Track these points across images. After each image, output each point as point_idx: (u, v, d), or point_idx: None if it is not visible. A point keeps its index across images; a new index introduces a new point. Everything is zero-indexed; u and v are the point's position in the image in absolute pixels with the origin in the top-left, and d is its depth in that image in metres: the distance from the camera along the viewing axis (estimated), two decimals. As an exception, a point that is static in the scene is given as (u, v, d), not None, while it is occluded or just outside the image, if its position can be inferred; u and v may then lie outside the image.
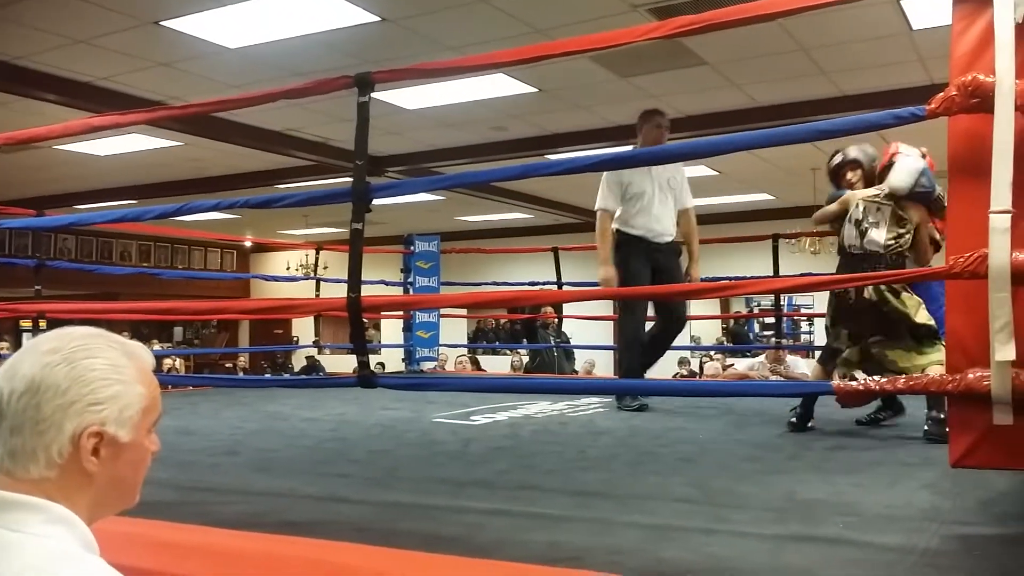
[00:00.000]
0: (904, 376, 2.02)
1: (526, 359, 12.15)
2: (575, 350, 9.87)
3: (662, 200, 4.67)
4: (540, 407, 4.66)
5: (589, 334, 11.05)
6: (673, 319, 4.74)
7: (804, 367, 8.85)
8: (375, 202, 2.61)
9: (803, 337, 13.56)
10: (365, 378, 2.61)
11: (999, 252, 1.83)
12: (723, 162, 9.84)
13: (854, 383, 2.05)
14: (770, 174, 10.41)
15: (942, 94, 1.94)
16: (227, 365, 14.86)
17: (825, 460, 3.08)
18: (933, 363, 3.34)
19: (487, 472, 2.88)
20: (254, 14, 5.48)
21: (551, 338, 8.99)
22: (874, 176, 3.79)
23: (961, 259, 1.89)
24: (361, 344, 2.65)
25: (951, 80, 1.96)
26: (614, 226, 4.70)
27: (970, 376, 1.91)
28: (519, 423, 4.15)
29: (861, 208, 3.65)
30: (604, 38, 2.65)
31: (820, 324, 11.85)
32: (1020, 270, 1.82)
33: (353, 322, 2.61)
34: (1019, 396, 1.86)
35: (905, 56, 6.23)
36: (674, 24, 2.44)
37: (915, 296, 3.52)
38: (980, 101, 1.88)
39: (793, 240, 8.79)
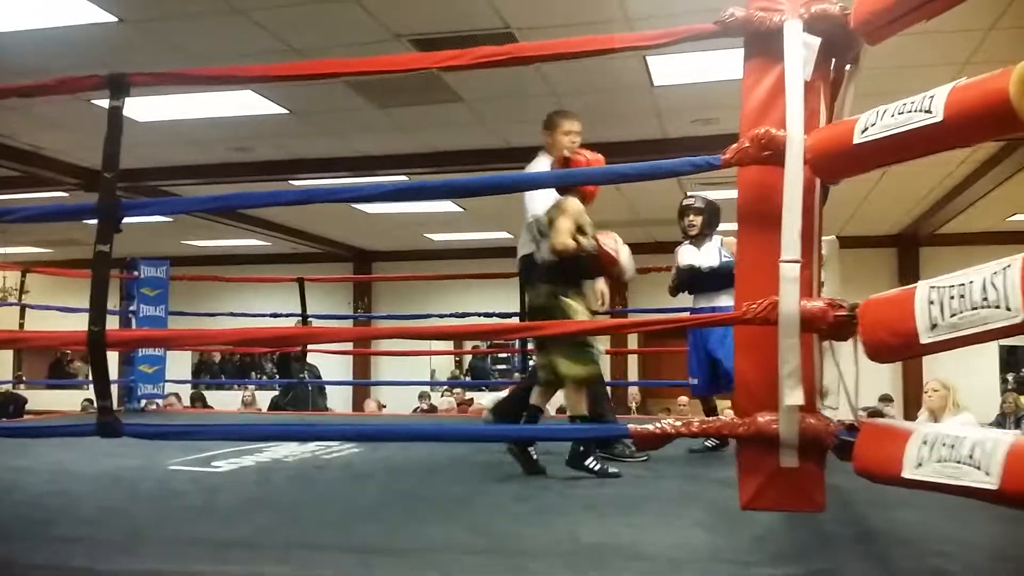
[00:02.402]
0: (698, 420, 2.04)
1: (262, 394, 11.55)
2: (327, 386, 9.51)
3: None
4: (289, 449, 4.34)
5: (334, 368, 10.73)
6: None
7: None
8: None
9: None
10: (107, 425, 2.25)
11: (789, 300, 1.91)
12: (469, 199, 9.99)
13: (650, 427, 2.05)
14: (512, 212, 10.72)
15: (736, 145, 2.01)
16: None
17: (593, 497, 3.09)
18: (577, 376, 3.40)
19: (246, 529, 2.58)
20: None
21: (303, 372, 8.57)
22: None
23: (753, 305, 1.95)
24: (103, 385, 2.28)
25: (741, 132, 2.03)
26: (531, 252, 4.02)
27: (759, 420, 1.96)
28: (269, 468, 3.83)
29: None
30: (375, 63, 2.53)
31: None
32: (808, 318, 1.90)
33: (95, 360, 2.24)
34: (805, 439, 1.94)
35: (644, 110, 6.67)
36: (437, 57, 2.38)
37: (584, 306, 3.52)
38: (771, 154, 1.96)
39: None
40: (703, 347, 4.41)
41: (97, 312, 2.23)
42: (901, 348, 1.77)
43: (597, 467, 3.41)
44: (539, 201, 3.89)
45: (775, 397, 1.94)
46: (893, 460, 1.69)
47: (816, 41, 2.01)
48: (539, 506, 2.91)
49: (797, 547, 2.31)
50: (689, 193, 4.58)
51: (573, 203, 3.44)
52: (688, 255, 4.45)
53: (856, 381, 2.05)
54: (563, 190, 3.52)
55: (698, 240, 4.48)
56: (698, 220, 4.49)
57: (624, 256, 3.53)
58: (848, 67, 2.18)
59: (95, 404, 2.40)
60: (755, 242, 2.03)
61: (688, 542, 2.35)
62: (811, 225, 1.98)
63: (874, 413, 11.04)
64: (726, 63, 5.60)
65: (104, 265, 2.27)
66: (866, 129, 1.84)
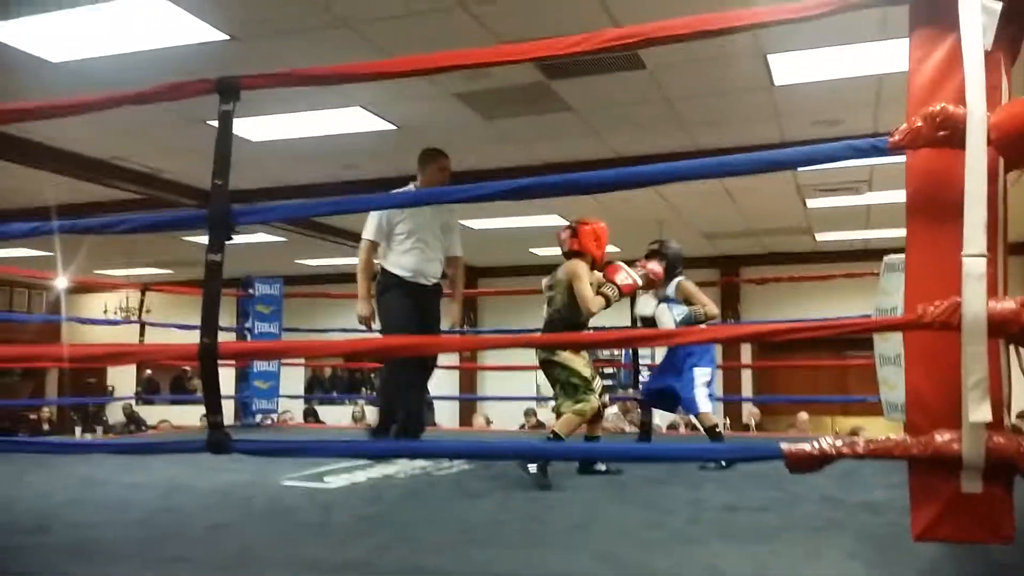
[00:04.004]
0: (864, 440, 1.79)
1: (372, 409, 11.62)
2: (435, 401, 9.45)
3: (433, 243, 4.57)
4: (399, 465, 4.23)
5: (441, 383, 10.68)
6: (427, 367, 4.68)
7: (656, 417, 8.85)
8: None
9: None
10: (216, 442, 2.15)
11: (975, 301, 1.64)
12: (574, 212, 9.80)
13: (806, 446, 1.81)
14: (618, 226, 10.47)
15: (905, 125, 1.76)
16: (32, 417, 13.38)
17: (726, 523, 2.85)
18: (577, 411, 3.84)
19: (360, 550, 2.45)
20: (81, 25, 4.87)
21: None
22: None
23: (931, 308, 1.69)
24: (214, 399, 2.19)
25: (910, 111, 1.78)
26: (380, 264, 4.55)
27: (938, 439, 1.70)
28: (381, 485, 3.72)
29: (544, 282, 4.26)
30: (490, 53, 2.40)
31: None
32: (997, 321, 1.64)
33: (207, 373, 2.15)
34: (991, 461, 1.67)
35: (762, 113, 6.36)
36: (562, 44, 2.22)
37: (582, 353, 4.02)
38: (948, 134, 1.71)
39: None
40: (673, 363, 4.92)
41: (209, 325, 2.15)
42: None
43: (533, 469, 3.58)
44: (370, 226, 4.49)
45: (956, 413, 1.68)
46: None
47: (997, 5, 1.75)
48: (670, 533, 2.68)
49: (973, 584, 2.02)
50: (653, 240, 5.13)
51: (582, 266, 4.00)
52: (642, 306, 5.04)
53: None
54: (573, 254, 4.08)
55: (660, 284, 4.81)
56: (660, 267, 4.88)
57: (636, 277, 4.08)
58: (1030, 35, 1.91)
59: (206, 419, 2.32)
60: (929, 236, 1.78)
61: (846, 576, 2.09)
62: (996, 215, 1.72)
63: (1013, 431, 10.21)
64: (851, 59, 5.28)
65: (216, 276, 2.19)
66: (1067, 100, 1.58)
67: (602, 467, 3.92)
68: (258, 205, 1.93)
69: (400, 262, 4.46)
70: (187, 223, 2.26)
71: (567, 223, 4.19)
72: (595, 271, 4.09)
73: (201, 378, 2.18)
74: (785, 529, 2.72)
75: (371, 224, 4.47)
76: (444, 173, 4.52)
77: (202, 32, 4.95)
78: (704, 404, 4.76)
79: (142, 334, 7.10)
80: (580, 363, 3.95)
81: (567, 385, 3.95)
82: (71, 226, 2.33)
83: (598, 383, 4.02)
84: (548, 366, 4.01)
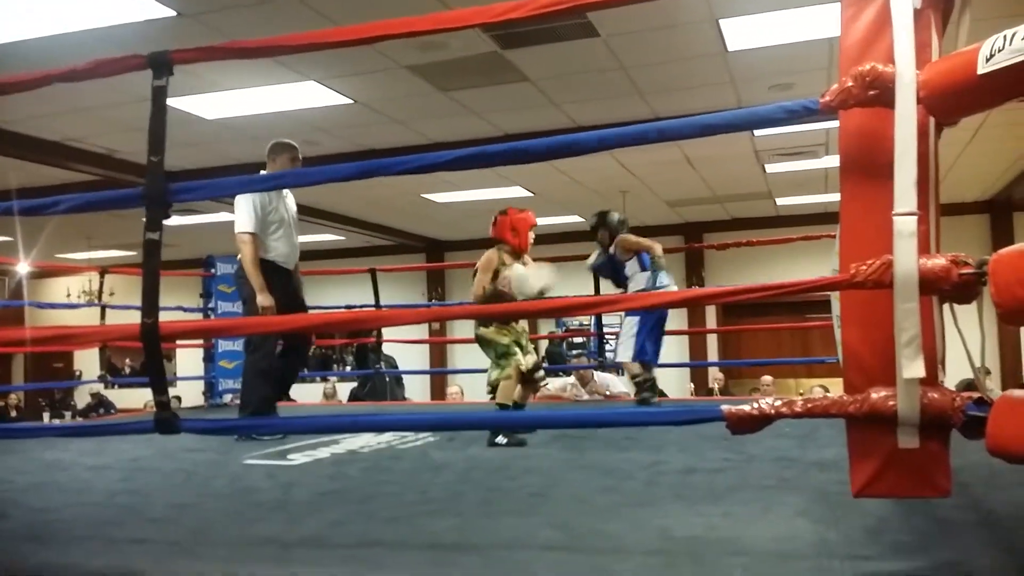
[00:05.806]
0: (803, 399, 1.82)
1: (343, 386, 11.61)
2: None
3: (294, 230, 4.84)
4: (365, 440, 4.24)
5: (412, 358, 10.68)
6: (305, 342, 5.24)
7: (621, 385, 8.89)
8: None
9: (608, 355, 13.73)
10: (164, 422, 2.14)
11: (906, 258, 1.67)
12: (538, 183, 9.81)
13: (745, 407, 1.84)
14: (582, 196, 10.49)
15: (836, 85, 1.77)
16: (-2, 403, 13.21)
17: (682, 486, 2.89)
18: (501, 378, 4.31)
19: (317, 525, 2.45)
20: (23, 4, 4.75)
21: (380, 363, 8.54)
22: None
23: (863, 267, 1.71)
24: (159, 379, 2.17)
25: (842, 71, 1.79)
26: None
27: (873, 396, 1.73)
28: (345, 460, 3.72)
29: None
30: (426, 21, 2.35)
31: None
32: (928, 277, 1.66)
33: (149, 353, 2.13)
34: (927, 417, 1.70)
35: (718, 79, 6.36)
36: (496, 11, 2.18)
37: (509, 326, 4.41)
38: (878, 93, 1.72)
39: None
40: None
41: (149, 304, 2.12)
42: (1046, 308, 1.52)
43: (505, 441, 3.98)
44: (247, 217, 4.50)
45: (891, 370, 1.71)
46: (1040, 438, 1.45)
47: (925, -38, 1.76)
48: (624, 498, 2.71)
49: (915, 537, 2.06)
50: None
51: (487, 258, 4.42)
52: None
53: (982, 349, 1.80)
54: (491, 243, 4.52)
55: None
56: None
57: (521, 284, 4.30)
58: (961, -7, 1.92)
59: (156, 400, 2.30)
60: (862, 196, 1.80)
61: (794, 534, 2.12)
62: (927, 173, 1.74)
63: (968, 386, 10.34)
64: (802, 22, 5.29)
65: (154, 255, 2.16)
66: (992, 56, 1.59)
67: (503, 440, 4.00)
68: (196, 182, 1.88)
69: (275, 249, 4.64)
70: (124, 201, 2.22)
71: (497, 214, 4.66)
72: (520, 257, 4.51)
73: (146, 359, 2.16)
74: (739, 489, 2.77)
75: (247, 216, 4.51)
76: (295, 163, 4.66)
77: (148, 8, 4.85)
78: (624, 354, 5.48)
79: (103, 317, 7.02)
80: (501, 336, 4.36)
81: (494, 357, 4.40)
82: (6, 208, 2.29)
83: (523, 350, 4.41)
84: (479, 343, 4.45)
